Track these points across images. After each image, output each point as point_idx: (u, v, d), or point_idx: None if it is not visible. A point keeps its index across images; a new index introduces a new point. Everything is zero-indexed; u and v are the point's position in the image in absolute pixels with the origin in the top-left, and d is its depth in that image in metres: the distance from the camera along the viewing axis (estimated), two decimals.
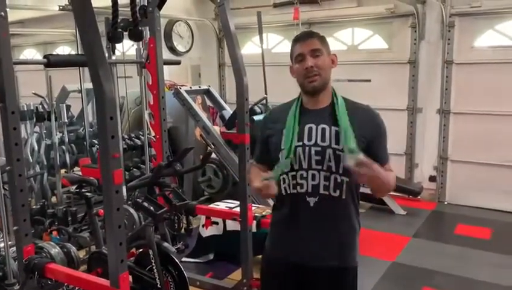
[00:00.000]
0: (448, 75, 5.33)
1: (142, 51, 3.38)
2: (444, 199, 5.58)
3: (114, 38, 2.96)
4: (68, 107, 5.51)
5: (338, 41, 6.13)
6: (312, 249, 1.81)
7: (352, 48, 6.03)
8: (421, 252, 4.18)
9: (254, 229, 3.42)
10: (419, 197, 5.54)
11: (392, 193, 5.40)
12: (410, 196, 5.56)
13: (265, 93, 4.90)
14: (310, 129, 1.80)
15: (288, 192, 1.82)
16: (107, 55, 3.31)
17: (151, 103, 3.41)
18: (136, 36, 3.01)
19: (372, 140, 1.79)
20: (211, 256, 3.92)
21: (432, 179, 5.65)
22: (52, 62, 2.55)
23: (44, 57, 2.57)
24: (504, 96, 5.06)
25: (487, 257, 4.05)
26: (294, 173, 1.80)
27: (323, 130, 1.78)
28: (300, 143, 1.79)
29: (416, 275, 3.72)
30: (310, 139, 1.79)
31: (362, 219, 4.88)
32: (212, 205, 3.78)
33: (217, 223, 3.82)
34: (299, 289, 1.87)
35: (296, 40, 1.86)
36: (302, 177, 1.78)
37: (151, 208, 2.62)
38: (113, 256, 2.09)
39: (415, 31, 5.46)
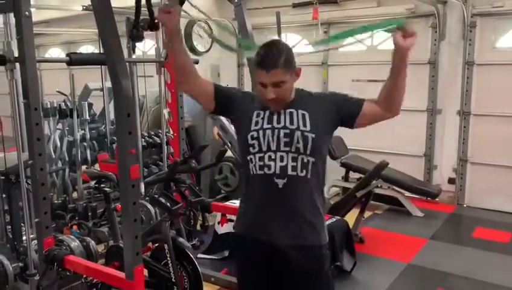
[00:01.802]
0: (469, 76, 5.26)
1: (161, 50, 3.45)
2: (463, 201, 5.51)
3: (136, 37, 3.03)
4: (90, 105, 5.63)
5: (358, 41, 6.10)
6: (279, 229, 1.85)
7: (371, 48, 6.00)
8: (438, 254, 4.14)
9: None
10: (437, 199, 5.48)
11: (409, 195, 5.37)
12: (429, 198, 5.50)
13: None
14: (279, 113, 1.86)
15: (255, 173, 1.85)
16: (127, 54, 3.40)
17: (170, 101, 3.48)
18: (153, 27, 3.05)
19: (338, 105, 1.89)
20: (226, 253, 3.96)
21: (451, 181, 5.59)
22: (74, 60, 2.63)
23: (67, 55, 2.66)
24: None
25: (506, 261, 3.99)
26: (262, 154, 1.84)
27: (291, 113, 1.86)
28: (270, 126, 1.85)
29: (432, 277, 3.69)
30: (278, 122, 1.85)
31: (378, 220, 4.89)
32: (227, 203, 3.82)
33: (232, 220, 3.86)
34: (268, 266, 1.89)
35: (259, 65, 1.78)
36: (270, 159, 1.83)
37: (167, 203, 2.68)
38: (128, 249, 2.16)
39: (436, 32, 5.40)
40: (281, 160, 1.82)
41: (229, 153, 4.58)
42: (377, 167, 4.27)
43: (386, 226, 4.80)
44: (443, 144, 5.62)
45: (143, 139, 4.79)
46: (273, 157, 1.83)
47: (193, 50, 6.42)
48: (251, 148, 1.86)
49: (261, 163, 1.84)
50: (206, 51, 6.68)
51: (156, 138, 5.08)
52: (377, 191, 4.91)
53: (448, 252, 4.23)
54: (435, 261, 3.96)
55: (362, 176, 4.78)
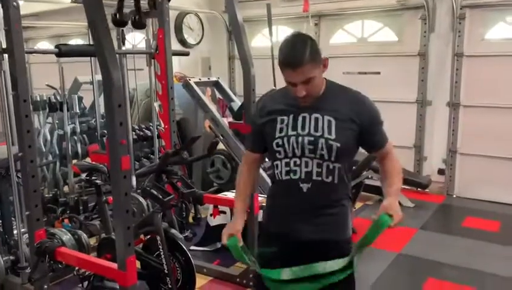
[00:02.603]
0: (458, 68, 5.30)
1: (151, 42, 3.44)
2: (453, 192, 5.57)
3: (119, 22, 3.00)
4: (80, 99, 5.60)
5: (348, 33, 6.12)
6: (303, 225, 1.87)
7: (362, 40, 6.02)
8: (428, 244, 4.19)
9: (260, 219, 3.47)
10: (427, 190, 5.53)
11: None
12: (419, 189, 5.56)
13: (274, 86, 4.92)
14: (304, 119, 1.83)
15: (282, 178, 1.87)
16: (116, 45, 3.38)
17: (160, 93, 3.47)
18: (139, 25, 3.06)
19: (366, 126, 1.83)
20: (219, 245, 3.97)
21: (441, 172, 5.64)
22: (63, 51, 2.62)
23: (56, 46, 2.64)
24: None
25: (495, 250, 4.04)
26: (288, 160, 1.84)
27: (316, 119, 1.81)
28: (294, 133, 1.83)
29: (422, 266, 3.74)
30: (303, 129, 1.82)
31: (369, 211, 4.92)
32: (220, 195, 3.84)
33: (224, 212, 3.88)
34: (291, 256, 1.90)
35: (286, 65, 1.72)
36: (295, 165, 1.83)
37: (159, 195, 2.69)
38: (120, 240, 2.15)
39: (425, 23, 5.42)
40: (306, 166, 1.83)
41: (221, 146, 4.57)
42: (368, 158, 4.29)
43: None
44: (433, 135, 5.66)
45: (134, 133, 4.78)
46: (298, 163, 1.83)
47: (183, 43, 6.42)
48: (277, 154, 1.87)
49: (287, 168, 1.85)
50: (197, 43, 6.68)
51: (146, 131, 5.06)
52: (368, 182, 4.95)
53: (439, 241, 4.28)
54: (425, 251, 4.01)
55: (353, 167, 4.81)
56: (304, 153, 1.81)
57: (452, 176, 5.55)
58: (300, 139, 1.81)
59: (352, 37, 6.10)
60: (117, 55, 2.75)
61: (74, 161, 4.64)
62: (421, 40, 5.49)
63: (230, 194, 3.83)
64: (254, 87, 3.08)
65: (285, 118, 1.85)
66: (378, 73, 5.82)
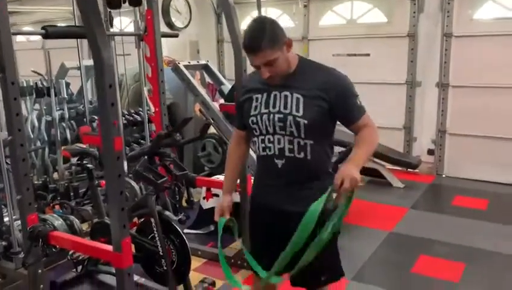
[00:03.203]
0: (447, 48, 5.32)
1: (139, 24, 3.38)
2: (442, 171, 5.64)
3: (113, 4, 2.95)
4: (67, 85, 5.52)
5: (337, 15, 6.09)
6: (284, 201, 1.96)
7: (351, 22, 6.00)
8: (419, 223, 4.25)
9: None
10: (417, 170, 5.59)
11: (390, 167, 5.46)
12: (409, 169, 5.61)
13: None
14: (275, 96, 1.91)
15: (260, 154, 1.99)
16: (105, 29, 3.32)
17: (150, 76, 3.43)
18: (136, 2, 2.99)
19: (337, 101, 1.85)
20: (212, 227, 3.98)
21: (430, 152, 5.70)
22: (50, 33, 2.56)
23: (43, 28, 2.58)
24: (503, 69, 5.05)
25: (484, 227, 4.12)
26: (263, 137, 1.94)
27: (286, 97, 1.89)
28: (266, 110, 1.91)
29: (414, 244, 3.79)
30: (274, 107, 1.90)
31: (360, 192, 4.96)
32: (213, 178, 3.83)
33: (217, 195, 3.87)
34: (274, 222, 2.00)
35: (246, 50, 1.85)
36: (269, 141, 1.93)
37: (153, 177, 2.66)
38: (115, 222, 2.13)
39: (414, 4, 5.43)
40: (279, 142, 1.91)
41: (212, 130, 4.55)
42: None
43: (367, 197, 4.88)
44: (422, 116, 5.70)
45: (123, 118, 4.73)
46: (271, 140, 1.92)
47: (171, 26, 6.34)
48: (254, 131, 1.97)
49: (263, 145, 1.95)
50: (185, 26, 6.59)
51: (136, 116, 5.01)
52: None
53: (429, 220, 4.34)
54: (416, 229, 4.06)
55: (343, 149, 4.82)
56: (276, 130, 1.90)
57: (441, 156, 5.61)
58: (271, 116, 1.89)
59: (341, 19, 6.08)
60: None
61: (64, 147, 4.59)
62: (410, 20, 5.50)
63: (222, 178, 3.83)
64: (245, 69, 3.05)
65: (260, 96, 1.94)
66: (368, 55, 5.82)
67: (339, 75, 1.92)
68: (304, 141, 1.87)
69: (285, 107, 1.88)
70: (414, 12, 5.44)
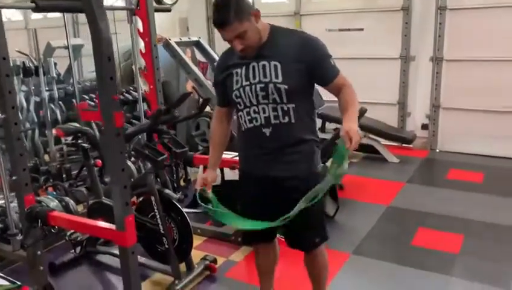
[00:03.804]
0: (441, 22, 5.27)
1: None
2: (436, 146, 5.65)
3: None
4: (54, 65, 5.37)
5: None
6: (274, 165, 2.03)
7: None
8: (415, 196, 4.26)
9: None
10: (411, 145, 5.60)
11: (384, 142, 5.46)
12: (403, 144, 5.62)
13: None
14: (254, 68, 1.95)
15: (247, 126, 2.03)
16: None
17: (144, 51, 3.33)
18: None
19: (313, 63, 1.92)
20: (210, 206, 3.93)
21: (424, 127, 5.70)
22: (40, 6, 2.45)
23: (32, 1, 2.46)
24: (497, 41, 5.03)
25: (480, 199, 4.14)
26: (248, 109, 1.99)
27: (264, 66, 1.93)
28: (248, 83, 1.96)
29: (412, 217, 3.81)
30: (254, 78, 1.95)
31: (356, 168, 4.96)
32: None
33: None
34: (266, 190, 2.08)
35: (215, 25, 1.89)
36: (254, 112, 1.99)
37: (152, 155, 2.60)
38: (118, 199, 2.09)
39: None
40: (264, 112, 1.97)
41: (206, 108, 4.47)
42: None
43: (364, 173, 4.89)
44: (416, 90, 5.69)
45: None
46: (256, 110, 1.98)
47: (159, 2, 6.15)
48: (238, 106, 2.03)
49: (249, 117, 2.00)
50: (173, 3, 6.40)
51: (127, 95, 4.92)
52: None
53: (425, 193, 4.36)
54: (413, 203, 4.08)
55: (339, 126, 4.80)
56: (259, 100, 1.96)
57: (435, 130, 5.62)
58: (253, 87, 1.95)
59: None
60: None
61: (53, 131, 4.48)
62: None
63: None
64: None
65: (239, 70, 1.98)
66: (361, 29, 5.75)
67: (312, 37, 1.98)
68: (286, 105, 1.94)
69: (265, 76, 1.93)
70: None
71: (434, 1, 5.25)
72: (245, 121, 2.03)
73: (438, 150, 5.64)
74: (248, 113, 2.00)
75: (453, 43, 5.31)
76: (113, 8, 3.85)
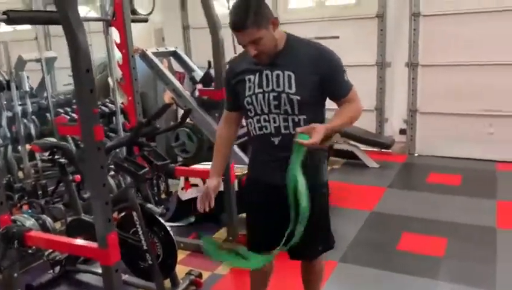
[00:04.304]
0: (415, 28, 5.36)
1: (107, 8, 3.20)
2: (414, 151, 5.72)
3: None
4: (27, 78, 5.22)
5: None
6: (282, 175, 1.91)
7: (319, 4, 5.96)
8: (398, 201, 4.29)
9: (236, 188, 3.39)
10: (390, 150, 5.65)
11: (364, 148, 5.49)
12: (382, 149, 5.66)
13: (235, 53, 4.79)
14: (267, 76, 1.92)
15: (256, 134, 2.01)
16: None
17: (121, 63, 3.25)
18: None
19: (327, 76, 1.89)
20: (192, 219, 3.87)
21: (402, 132, 5.77)
22: (13, 18, 2.36)
23: (4, 13, 2.37)
24: (470, 46, 5.13)
25: (460, 201, 4.20)
26: (258, 117, 1.97)
27: (278, 75, 1.90)
28: (261, 90, 1.93)
29: (396, 222, 3.82)
30: (268, 86, 1.92)
31: (337, 174, 4.97)
32: (192, 167, 3.71)
33: (196, 185, 3.75)
34: (271, 199, 2.03)
35: (232, 28, 1.85)
36: (265, 121, 1.96)
37: (133, 168, 2.53)
38: (99, 216, 2.01)
39: None
40: (274, 121, 1.94)
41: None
42: None
43: (345, 179, 4.89)
44: (393, 96, 5.75)
45: None
46: (267, 119, 1.95)
47: (134, 13, 6.07)
48: (249, 112, 1.99)
49: (259, 125, 1.98)
50: (148, 14, 6.33)
51: (104, 108, 4.81)
52: (334, 146, 4.98)
53: (407, 198, 4.40)
54: (396, 208, 4.10)
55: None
56: (271, 109, 1.93)
57: (413, 135, 5.69)
58: (266, 95, 1.92)
59: (310, 1, 6.02)
60: None
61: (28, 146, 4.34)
62: (379, 1, 5.51)
63: (199, 166, 3.73)
64: (223, 51, 2.94)
65: (252, 76, 1.95)
66: (337, 37, 5.77)
67: (328, 50, 1.96)
68: (297, 117, 1.91)
69: (278, 86, 1.90)
70: None
71: (408, 8, 5.35)
72: (254, 128, 2.00)
73: (416, 154, 5.70)
74: (258, 121, 1.97)
75: (427, 48, 5.40)
76: (88, 19, 3.76)
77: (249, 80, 1.95)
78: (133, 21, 3.31)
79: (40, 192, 3.99)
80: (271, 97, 1.90)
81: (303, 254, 2.16)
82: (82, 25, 1.86)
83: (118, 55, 3.40)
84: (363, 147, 5.48)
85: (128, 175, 2.53)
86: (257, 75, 1.93)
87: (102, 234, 2.02)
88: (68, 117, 4.19)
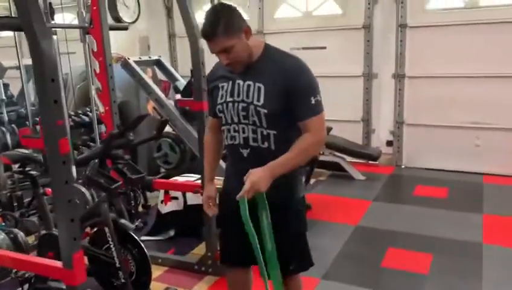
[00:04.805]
0: (402, 39, 5.34)
1: (84, 15, 3.10)
2: (401, 162, 5.66)
3: None
4: (7, 86, 5.09)
5: (292, 7, 5.98)
6: None
7: (306, 14, 5.91)
8: (383, 215, 4.21)
9: (217, 201, 3.29)
10: (377, 162, 5.59)
11: (350, 160, 5.42)
12: (369, 161, 5.60)
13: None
14: (239, 85, 1.88)
15: (228, 143, 1.98)
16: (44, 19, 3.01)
17: (98, 72, 3.15)
18: None
19: (291, 92, 1.80)
20: (172, 233, 3.75)
21: (389, 143, 5.72)
22: None
23: None
24: (457, 58, 5.12)
25: (445, 215, 4.13)
26: (229, 126, 1.94)
27: (248, 86, 1.86)
28: (231, 99, 1.89)
29: (381, 237, 3.74)
30: (238, 96, 1.88)
31: (322, 187, 4.84)
32: (172, 179, 3.60)
33: (176, 198, 3.65)
34: (239, 214, 1.90)
35: (202, 36, 1.83)
36: (234, 131, 1.92)
37: (105, 182, 2.42)
38: (64, 234, 1.90)
39: None
40: (243, 132, 1.90)
41: (168, 128, 4.30)
42: None
43: (330, 192, 4.81)
44: (380, 107, 5.71)
45: (70, 119, 4.41)
46: (236, 129, 1.91)
47: (118, 21, 5.97)
48: (222, 120, 1.97)
49: (229, 134, 1.95)
50: (133, 21, 6.24)
51: (84, 117, 4.69)
52: (321, 158, 4.89)
53: (393, 211, 4.32)
54: (382, 222, 4.02)
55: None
56: (240, 120, 1.89)
57: (400, 147, 5.64)
58: (236, 105, 1.88)
59: (296, 11, 5.97)
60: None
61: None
62: (366, 12, 5.48)
63: (181, 179, 3.62)
64: (203, 61, 2.85)
65: (226, 84, 1.92)
66: (324, 48, 5.75)
67: (302, 66, 1.86)
68: (266, 130, 1.85)
69: (248, 97, 1.85)
70: (369, 4, 5.43)
71: (394, 19, 5.32)
72: (226, 137, 1.97)
73: (403, 166, 5.65)
74: (229, 130, 1.94)
75: (414, 60, 5.37)
76: (64, 26, 3.65)
77: (222, 87, 1.92)
78: (112, 29, 3.22)
79: (15, 204, 3.87)
80: (240, 107, 1.86)
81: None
82: (46, 31, 1.76)
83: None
84: (349, 158, 5.41)
85: (100, 189, 2.41)
86: (230, 83, 1.90)
87: (67, 253, 1.90)
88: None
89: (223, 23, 1.74)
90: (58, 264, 1.94)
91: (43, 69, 1.75)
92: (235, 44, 1.77)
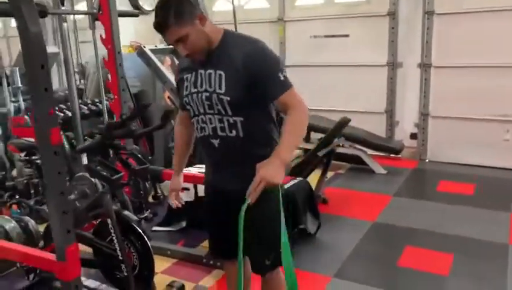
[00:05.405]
0: (429, 27, 5.08)
1: (93, 1, 3.03)
2: (426, 156, 5.43)
3: None
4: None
5: None
6: (224, 178, 1.94)
7: (328, 1, 5.70)
8: (403, 211, 4.03)
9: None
10: (400, 155, 5.37)
11: (371, 153, 5.23)
12: (391, 155, 5.39)
13: None
14: (201, 75, 1.84)
15: (199, 135, 1.94)
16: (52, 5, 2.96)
17: (107, 59, 3.09)
18: None
19: (257, 77, 1.76)
20: (184, 224, 3.69)
21: (413, 136, 5.49)
22: None
23: None
24: (486, 47, 4.84)
25: (472, 213, 3.92)
26: (197, 117, 1.90)
27: (210, 75, 1.81)
28: (195, 90, 1.85)
29: (399, 235, 3.57)
30: (201, 86, 1.83)
31: (341, 180, 4.64)
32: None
33: (187, 189, 3.57)
34: (217, 203, 2.02)
35: (155, 29, 1.78)
36: (203, 122, 1.88)
37: (106, 173, 2.36)
38: (57, 227, 1.84)
39: None
40: (211, 122, 1.86)
41: None
42: (339, 124, 4.07)
43: (349, 186, 4.65)
44: (404, 98, 5.49)
45: (86, 107, 4.40)
46: (204, 119, 1.88)
47: (138, 8, 5.92)
48: (190, 113, 1.92)
49: (198, 125, 1.91)
50: (153, 9, 6.17)
51: (100, 105, 4.67)
52: (339, 150, 4.73)
53: (414, 208, 4.13)
54: (401, 218, 3.84)
55: (324, 136, 4.57)
56: (206, 110, 1.85)
57: (425, 140, 5.40)
58: (199, 96, 1.84)
59: None
60: (55, 16, 2.35)
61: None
62: None
63: (194, 170, 3.54)
64: None
65: (189, 75, 1.88)
66: (347, 36, 5.55)
67: (263, 48, 1.81)
68: (232, 118, 1.81)
69: (210, 86, 1.81)
70: None
71: (421, 6, 5.07)
72: (197, 129, 1.94)
73: (427, 160, 5.42)
74: (198, 122, 1.91)
75: (441, 49, 5.11)
76: (73, 13, 3.61)
77: (187, 79, 1.88)
78: (121, 15, 3.13)
79: (32, 191, 3.89)
80: (203, 97, 1.82)
81: (253, 268, 2.04)
82: (36, 16, 1.69)
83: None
84: (370, 151, 5.22)
85: (102, 180, 2.35)
86: (193, 74, 1.86)
87: (60, 246, 1.85)
88: (27, 118, 4.04)
89: (174, 12, 1.70)
90: (52, 256, 1.89)
91: (32, 55, 1.68)
92: (189, 32, 1.72)
